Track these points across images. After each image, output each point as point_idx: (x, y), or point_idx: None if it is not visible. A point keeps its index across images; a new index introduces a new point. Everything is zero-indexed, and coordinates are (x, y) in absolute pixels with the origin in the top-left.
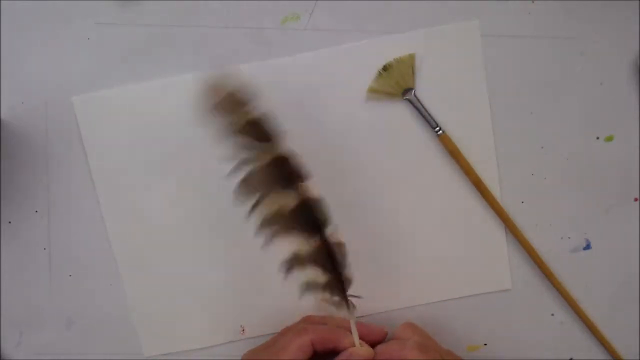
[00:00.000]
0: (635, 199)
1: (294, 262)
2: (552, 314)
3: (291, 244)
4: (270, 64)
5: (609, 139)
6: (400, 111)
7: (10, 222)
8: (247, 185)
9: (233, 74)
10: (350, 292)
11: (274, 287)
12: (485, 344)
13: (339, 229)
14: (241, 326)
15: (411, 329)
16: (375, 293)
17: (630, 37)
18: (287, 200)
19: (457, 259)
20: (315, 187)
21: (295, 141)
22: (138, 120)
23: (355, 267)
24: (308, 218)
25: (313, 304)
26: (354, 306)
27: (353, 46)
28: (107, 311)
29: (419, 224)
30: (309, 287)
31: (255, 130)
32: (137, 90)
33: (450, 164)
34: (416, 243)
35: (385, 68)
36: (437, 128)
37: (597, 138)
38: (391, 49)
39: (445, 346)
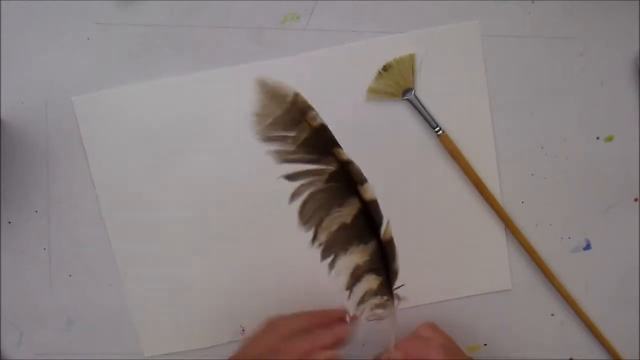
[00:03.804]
0: (635, 199)
1: (355, 277)
2: (552, 314)
3: (347, 262)
4: (270, 64)
5: (609, 139)
6: (400, 111)
7: (10, 222)
8: (308, 208)
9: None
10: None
11: (274, 288)
12: (485, 344)
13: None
14: (241, 326)
15: (432, 329)
16: None
17: (630, 37)
18: (347, 211)
19: (457, 259)
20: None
21: None
22: (138, 120)
23: None
24: (368, 222)
25: (366, 313)
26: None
27: (353, 46)
28: (107, 311)
29: (418, 224)
30: (366, 296)
31: (317, 143)
32: (137, 90)
33: (450, 164)
34: (416, 243)
35: (385, 68)
36: (437, 128)
37: (597, 138)
38: (391, 49)
39: None
